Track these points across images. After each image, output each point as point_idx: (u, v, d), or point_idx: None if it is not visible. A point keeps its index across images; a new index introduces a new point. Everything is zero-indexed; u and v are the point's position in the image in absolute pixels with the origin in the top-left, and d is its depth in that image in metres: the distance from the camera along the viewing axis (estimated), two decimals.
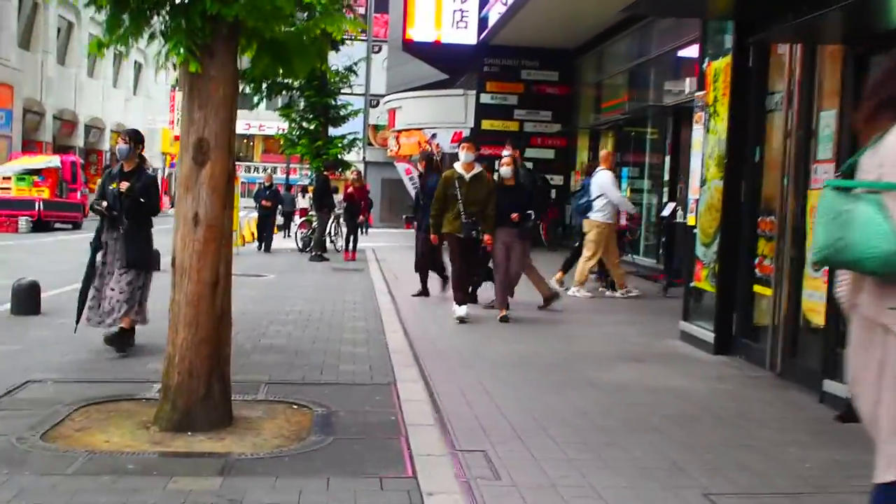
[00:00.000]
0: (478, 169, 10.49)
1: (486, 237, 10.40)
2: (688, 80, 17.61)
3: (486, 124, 25.58)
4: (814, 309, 7.21)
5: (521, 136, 25.47)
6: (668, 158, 18.17)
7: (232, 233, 5.75)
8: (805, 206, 7.44)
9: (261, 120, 71.93)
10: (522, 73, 25.65)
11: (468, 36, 25.70)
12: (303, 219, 24.23)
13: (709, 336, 8.77)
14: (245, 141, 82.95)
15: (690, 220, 9.48)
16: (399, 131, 29.15)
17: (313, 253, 19.83)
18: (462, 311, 10.33)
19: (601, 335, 9.78)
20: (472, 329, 9.97)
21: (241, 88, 18.53)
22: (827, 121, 7.22)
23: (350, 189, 20.17)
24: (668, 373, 7.84)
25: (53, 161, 31.95)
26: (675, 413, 6.32)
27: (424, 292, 12.88)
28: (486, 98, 25.70)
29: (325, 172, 20.98)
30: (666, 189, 18.06)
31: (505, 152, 12.63)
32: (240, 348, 8.14)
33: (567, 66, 25.55)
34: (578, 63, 25.31)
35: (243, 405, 6.06)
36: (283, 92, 24.18)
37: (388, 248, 23.93)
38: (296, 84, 23.76)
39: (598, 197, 12.97)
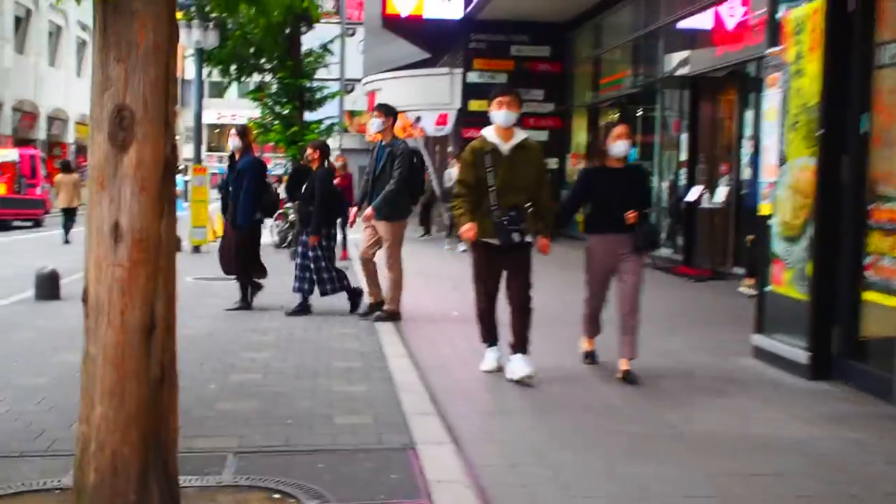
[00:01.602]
0: (521, 136, 6.81)
1: (543, 241, 6.94)
2: (707, 49, 15.79)
3: (475, 105, 23.72)
4: None
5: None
6: (684, 136, 16.34)
7: (175, 250, 3.80)
8: None
9: (233, 109, 69.81)
10: (512, 49, 23.88)
11: (453, 10, 23.81)
12: (279, 210, 22.24)
13: (800, 355, 6.90)
14: (217, 131, 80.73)
15: (764, 209, 7.60)
16: None
17: (293, 250, 17.75)
18: (492, 359, 7.04)
19: (648, 350, 7.89)
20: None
21: (208, 72, 16.44)
22: None
23: (336, 178, 17.82)
24: (767, 412, 5.97)
25: (10, 155, 29.77)
26: (830, 494, 4.43)
27: (245, 304, 10.34)
28: (473, 76, 23.88)
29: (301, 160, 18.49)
30: (683, 171, 16.25)
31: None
32: (201, 392, 6.22)
33: (560, 40, 23.76)
34: (572, 37, 23.49)
35: (199, 498, 4.14)
36: (254, 74, 22.19)
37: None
38: (268, 66, 21.83)
39: None
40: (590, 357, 7.41)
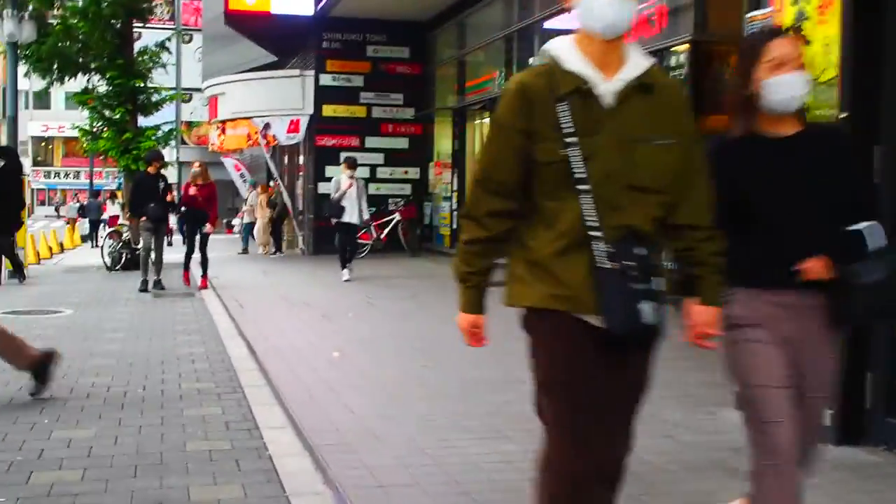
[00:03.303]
0: (642, 63, 2.85)
1: (709, 314, 2.94)
2: None
3: (329, 110, 21.79)
4: None
5: (370, 123, 21.83)
6: None
7: None
8: None
9: (60, 120, 65.84)
10: (368, 50, 21.98)
11: (304, 6, 21.72)
12: (111, 228, 19.65)
13: None
14: (43, 144, 75.82)
15: None
16: (223, 122, 24.75)
17: (145, 280, 13.71)
18: None
19: None
20: (410, 404, 6.14)
21: (24, 72, 13.84)
22: None
23: (192, 190, 14.32)
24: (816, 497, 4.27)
25: None
26: None
27: None
28: (326, 79, 21.87)
29: (148, 167, 14.51)
30: None
31: None
32: None
33: (419, 40, 22.00)
34: (433, 36, 21.77)
35: None
36: (79, 75, 19.56)
37: (216, 260, 19.51)
38: (95, 65, 19.26)
39: None
40: None
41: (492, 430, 5.42)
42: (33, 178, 74.73)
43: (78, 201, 39.22)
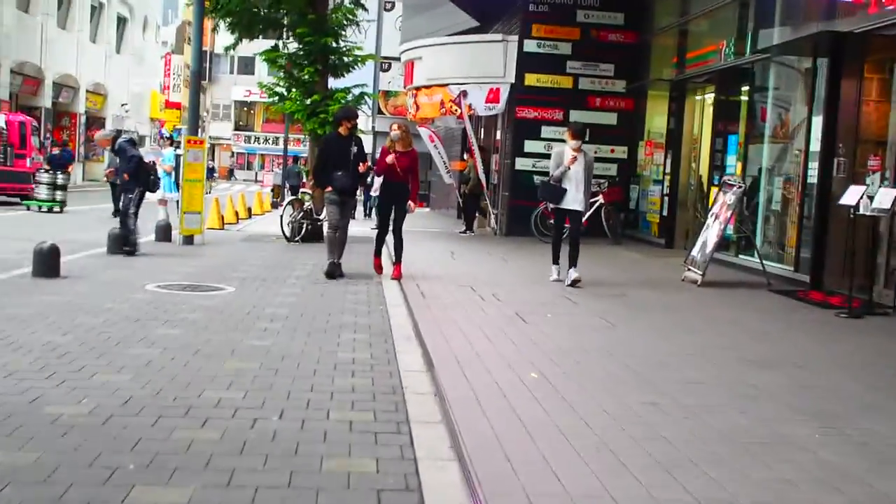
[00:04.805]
0: None
1: None
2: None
3: (532, 79, 20.00)
4: None
5: (576, 95, 19.84)
6: (817, 119, 12.35)
7: None
8: None
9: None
10: (578, 15, 20.01)
11: None
12: (292, 197, 18.46)
13: None
14: (245, 109, 77.25)
15: None
16: (417, 89, 23.25)
17: (332, 263, 11.44)
18: None
19: None
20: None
21: (213, 25, 12.57)
22: None
23: (390, 157, 11.41)
24: None
25: None
26: None
27: None
28: (531, 45, 20.02)
29: (338, 127, 11.72)
30: (814, 163, 12.30)
31: None
32: None
33: (636, 5, 19.85)
34: (652, 2, 19.54)
35: None
36: (269, 31, 18.41)
37: None
38: (285, 21, 18.06)
39: None
40: None
41: None
42: (234, 142, 76.35)
43: (285, 166, 38.93)
